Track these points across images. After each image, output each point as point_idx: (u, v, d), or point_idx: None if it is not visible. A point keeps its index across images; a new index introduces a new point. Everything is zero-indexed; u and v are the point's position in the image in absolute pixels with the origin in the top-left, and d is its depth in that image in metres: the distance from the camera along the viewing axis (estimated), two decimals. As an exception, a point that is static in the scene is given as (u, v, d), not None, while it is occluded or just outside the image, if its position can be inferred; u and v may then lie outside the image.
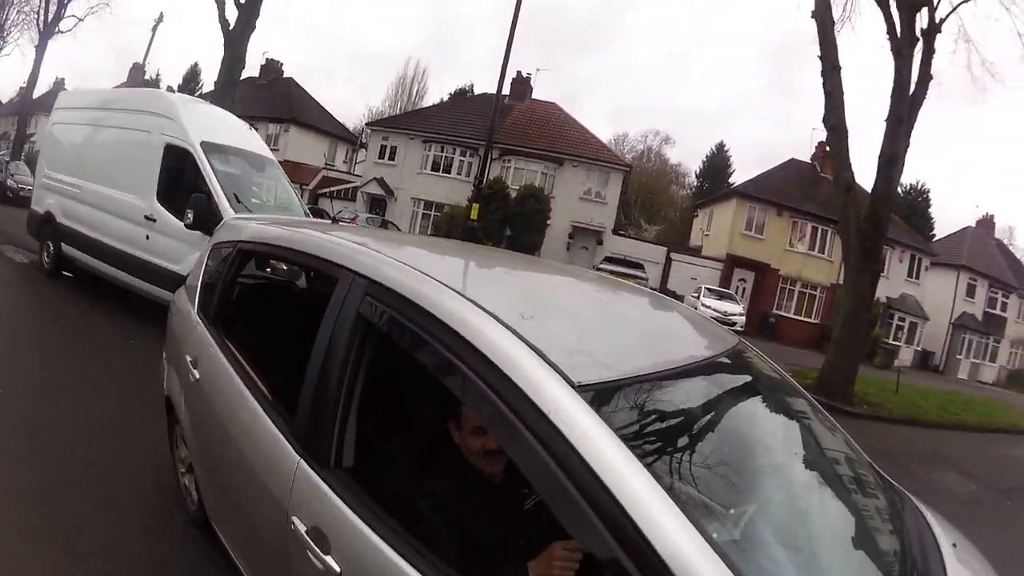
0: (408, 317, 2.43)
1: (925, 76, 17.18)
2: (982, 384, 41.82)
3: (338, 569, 2.26)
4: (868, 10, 18.72)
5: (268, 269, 6.09)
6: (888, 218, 17.69)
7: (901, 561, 2.41)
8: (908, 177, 68.24)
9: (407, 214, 44.46)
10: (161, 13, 46.15)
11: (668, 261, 43.01)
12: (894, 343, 39.84)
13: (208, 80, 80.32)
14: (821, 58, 17.53)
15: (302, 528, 2.44)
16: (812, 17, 17.77)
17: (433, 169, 44.50)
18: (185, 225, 9.40)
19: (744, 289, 41.48)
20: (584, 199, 42.65)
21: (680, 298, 35.65)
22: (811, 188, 42.88)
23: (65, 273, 13.41)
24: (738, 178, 64.72)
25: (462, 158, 44.04)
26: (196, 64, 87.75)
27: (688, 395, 2.46)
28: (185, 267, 8.67)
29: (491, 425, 2.12)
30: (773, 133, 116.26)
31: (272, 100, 54.89)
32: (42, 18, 46.99)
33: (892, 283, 41.47)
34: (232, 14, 23.80)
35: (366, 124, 59.96)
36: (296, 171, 48.56)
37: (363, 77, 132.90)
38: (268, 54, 62.28)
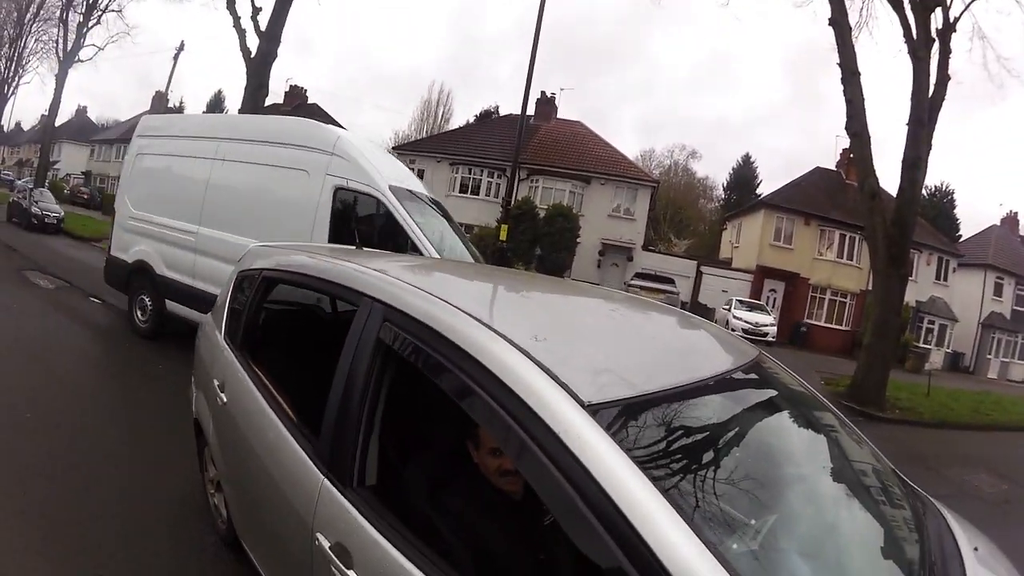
0: (424, 341, 2.51)
1: (943, 77, 17.16)
2: (1012, 382, 41.14)
3: None
4: (884, 14, 18.64)
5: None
6: (914, 222, 17.58)
7: (921, 567, 2.41)
8: (932, 179, 67.54)
9: (435, 237, 44.20)
10: (182, 42, 46.44)
11: (698, 275, 42.73)
12: (924, 346, 39.35)
13: (232, 107, 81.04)
14: (840, 64, 17.47)
15: (326, 544, 2.52)
16: (829, 24, 17.71)
17: (461, 191, 44.46)
18: None
19: (775, 299, 41.21)
20: (613, 216, 42.46)
21: (711, 311, 35.65)
22: (837, 196, 42.66)
23: (93, 299, 13.55)
24: (765, 189, 64.47)
25: (490, 179, 44.05)
26: (220, 91, 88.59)
27: (701, 411, 2.50)
28: None
29: (504, 444, 2.17)
30: (798, 142, 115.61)
31: (297, 126, 54.72)
32: (61, 47, 47.68)
33: (920, 286, 41.00)
34: (253, 42, 23.94)
35: (392, 148, 60.19)
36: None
37: (390, 102, 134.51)
38: (292, 80, 62.69)
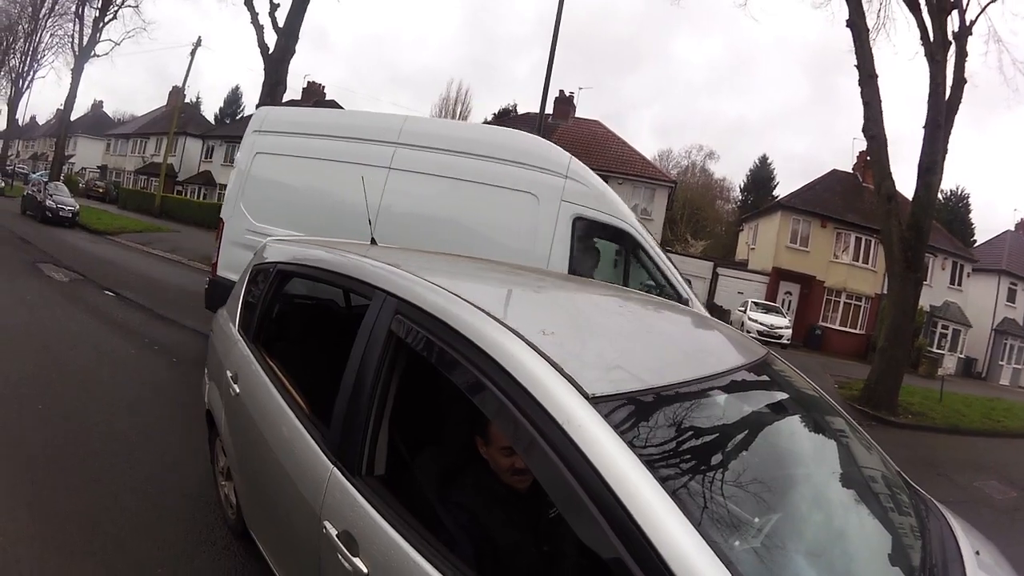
0: (434, 333, 2.54)
1: (959, 80, 17.16)
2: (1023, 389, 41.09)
3: (365, 570, 2.37)
4: (902, 16, 18.67)
5: None
6: (930, 226, 17.48)
7: (921, 570, 2.42)
8: (947, 183, 67.57)
9: (453, 236, 44.05)
10: (199, 37, 46.85)
11: (715, 276, 42.72)
12: (938, 351, 39.24)
13: (249, 103, 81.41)
14: (858, 67, 17.51)
15: (333, 532, 2.56)
16: (847, 26, 17.77)
17: (479, 190, 44.21)
18: None
19: (790, 302, 41.12)
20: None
21: (727, 313, 35.58)
22: (854, 198, 42.57)
23: (108, 292, 13.64)
24: (782, 190, 64.36)
25: (508, 179, 43.75)
26: (237, 87, 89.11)
27: (705, 407, 2.51)
28: None
29: (510, 434, 2.20)
30: (815, 144, 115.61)
31: (315, 123, 54.89)
32: (77, 42, 47.89)
33: (935, 291, 40.84)
34: (271, 38, 24.17)
35: (411, 147, 60.14)
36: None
37: (407, 99, 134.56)
38: (310, 77, 62.97)
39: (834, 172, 46.84)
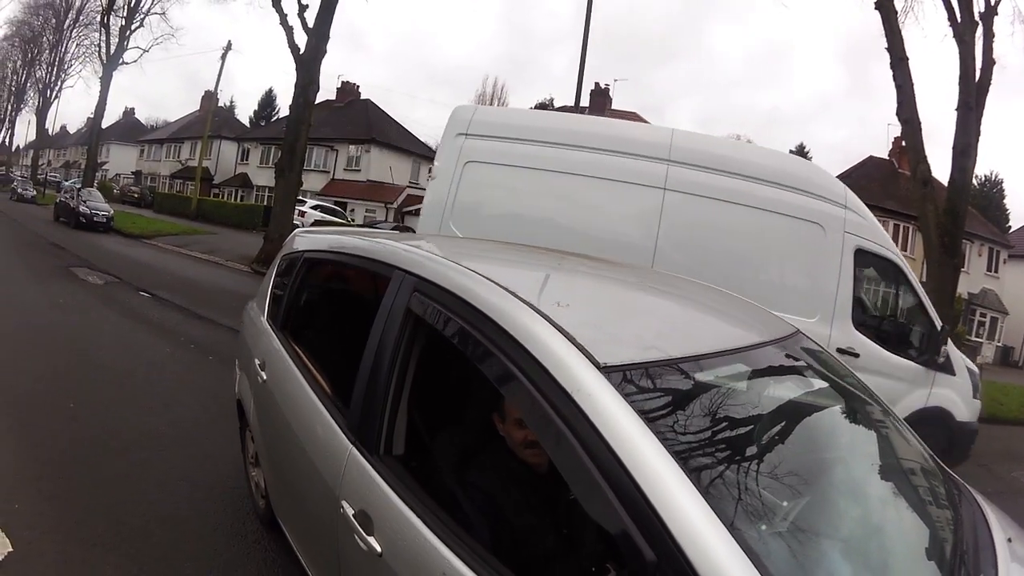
0: (450, 308, 2.54)
1: (988, 61, 17.17)
2: (1061, 377, 40.44)
3: (379, 549, 2.37)
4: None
5: None
6: (965, 211, 17.36)
7: (952, 554, 2.37)
8: (981, 168, 66.71)
9: (494, 227, 43.94)
10: (229, 41, 47.31)
11: (754, 264, 42.39)
12: (976, 339, 38.69)
13: (283, 105, 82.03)
14: (888, 50, 17.44)
15: (350, 511, 2.57)
16: (875, 8, 17.70)
17: (519, 183, 44.08)
18: (909, 358, 7.47)
19: (829, 288, 40.71)
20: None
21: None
22: (890, 185, 42.08)
23: (143, 293, 13.75)
24: (819, 179, 63.84)
25: (547, 171, 43.67)
26: (271, 90, 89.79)
27: (721, 379, 2.46)
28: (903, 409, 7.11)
29: (521, 404, 2.22)
30: (852, 131, 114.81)
31: (350, 122, 55.87)
32: (104, 50, 48.56)
33: (972, 278, 40.14)
34: (301, 39, 24.43)
35: (450, 142, 60.31)
36: (380, 190, 49.82)
37: (444, 96, 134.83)
38: (344, 77, 63.19)
39: (870, 159, 46.41)
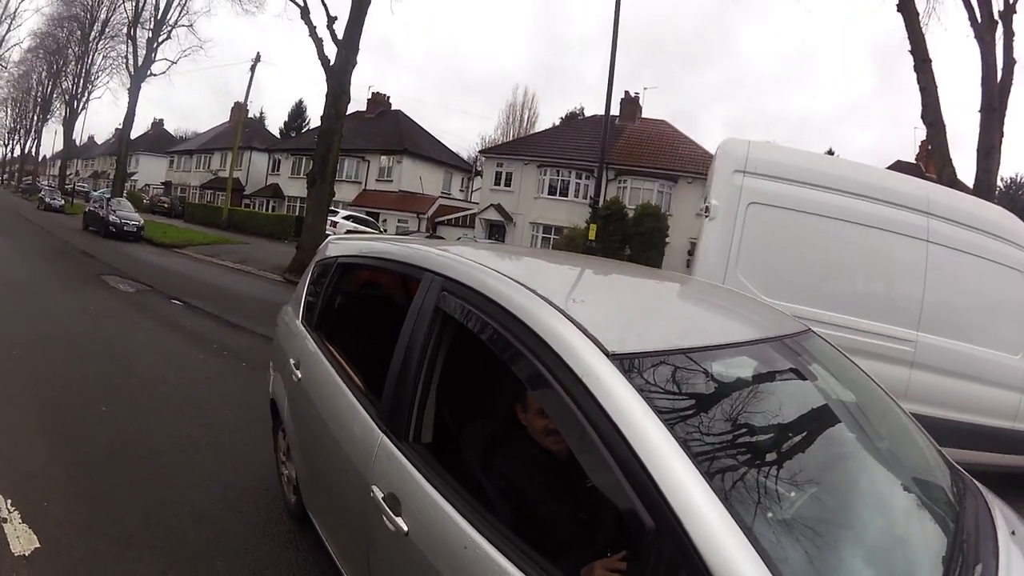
0: (476, 305, 2.73)
1: (1009, 60, 17.11)
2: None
3: (406, 528, 2.57)
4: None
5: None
6: (990, 212, 17.23)
7: (952, 543, 2.47)
8: (1007, 170, 66.05)
9: (527, 238, 44.71)
10: (258, 53, 47.58)
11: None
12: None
13: (313, 116, 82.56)
14: (912, 52, 17.42)
15: (380, 495, 2.77)
16: (898, 10, 17.69)
17: (550, 193, 44.79)
18: None
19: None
20: (701, 215, 41.46)
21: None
22: (917, 189, 41.83)
23: (175, 301, 13.94)
24: (849, 183, 63.46)
25: (577, 180, 44.17)
26: (301, 101, 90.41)
27: (727, 369, 2.67)
28: None
29: (539, 391, 2.38)
30: (881, 133, 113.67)
31: (382, 133, 56.19)
32: (132, 62, 48.85)
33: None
34: (331, 50, 24.62)
35: (479, 152, 60.62)
36: (412, 200, 50.22)
37: (476, 107, 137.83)
38: (374, 87, 63.57)
39: (898, 163, 45.99)
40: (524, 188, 45.34)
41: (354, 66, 24.86)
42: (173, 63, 50.44)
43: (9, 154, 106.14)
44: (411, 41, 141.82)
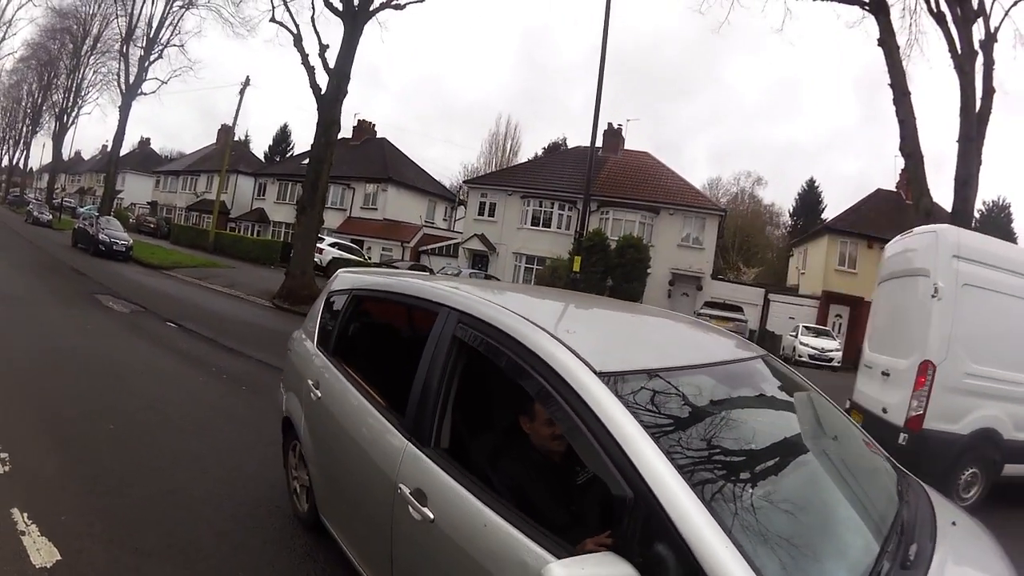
0: (488, 335, 3.36)
1: (988, 90, 17.43)
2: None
3: (432, 516, 3.12)
4: (932, 30, 18.87)
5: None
6: (968, 240, 17.63)
7: (891, 527, 2.99)
8: (988, 193, 67.41)
9: (509, 268, 45.13)
10: (247, 77, 47.81)
11: (766, 302, 42.62)
12: (988, 370, 38.60)
13: (298, 141, 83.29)
14: (891, 85, 17.89)
15: (407, 491, 3.32)
16: (878, 45, 18.17)
17: (533, 224, 45.24)
18: None
19: (840, 325, 40.71)
20: (682, 246, 42.87)
21: (778, 338, 35.63)
22: (898, 216, 41.94)
23: (170, 323, 14.17)
24: (831, 213, 64.40)
25: (560, 212, 44.75)
26: (286, 125, 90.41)
27: (694, 384, 3.22)
28: None
29: (544, 404, 3.00)
30: (865, 162, 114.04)
31: (367, 160, 56.55)
32: (123, 79, 49.06)
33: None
34: (323, 79, 24.86)
35: (464, 182, 61.19)
36: (396, 229, 50.32)
37: (459, 136, 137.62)
38: (360, 115, 63.80)
39: (879, 191, 46.62)
40: (507, 218, 45.79)
41: (345, 95, 25.22)
42: (164, 83, 50.91)
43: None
44: (395, 68, 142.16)
